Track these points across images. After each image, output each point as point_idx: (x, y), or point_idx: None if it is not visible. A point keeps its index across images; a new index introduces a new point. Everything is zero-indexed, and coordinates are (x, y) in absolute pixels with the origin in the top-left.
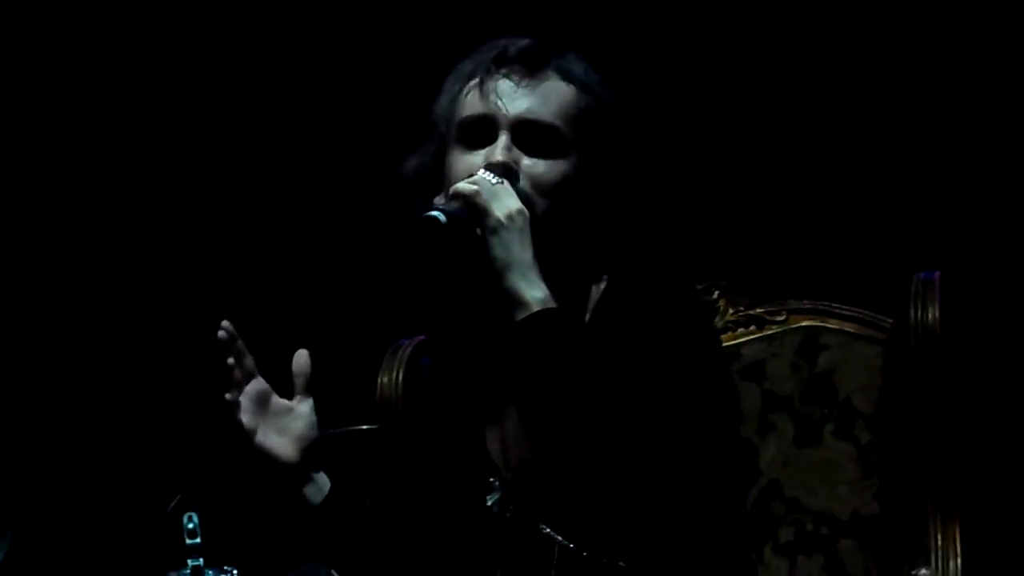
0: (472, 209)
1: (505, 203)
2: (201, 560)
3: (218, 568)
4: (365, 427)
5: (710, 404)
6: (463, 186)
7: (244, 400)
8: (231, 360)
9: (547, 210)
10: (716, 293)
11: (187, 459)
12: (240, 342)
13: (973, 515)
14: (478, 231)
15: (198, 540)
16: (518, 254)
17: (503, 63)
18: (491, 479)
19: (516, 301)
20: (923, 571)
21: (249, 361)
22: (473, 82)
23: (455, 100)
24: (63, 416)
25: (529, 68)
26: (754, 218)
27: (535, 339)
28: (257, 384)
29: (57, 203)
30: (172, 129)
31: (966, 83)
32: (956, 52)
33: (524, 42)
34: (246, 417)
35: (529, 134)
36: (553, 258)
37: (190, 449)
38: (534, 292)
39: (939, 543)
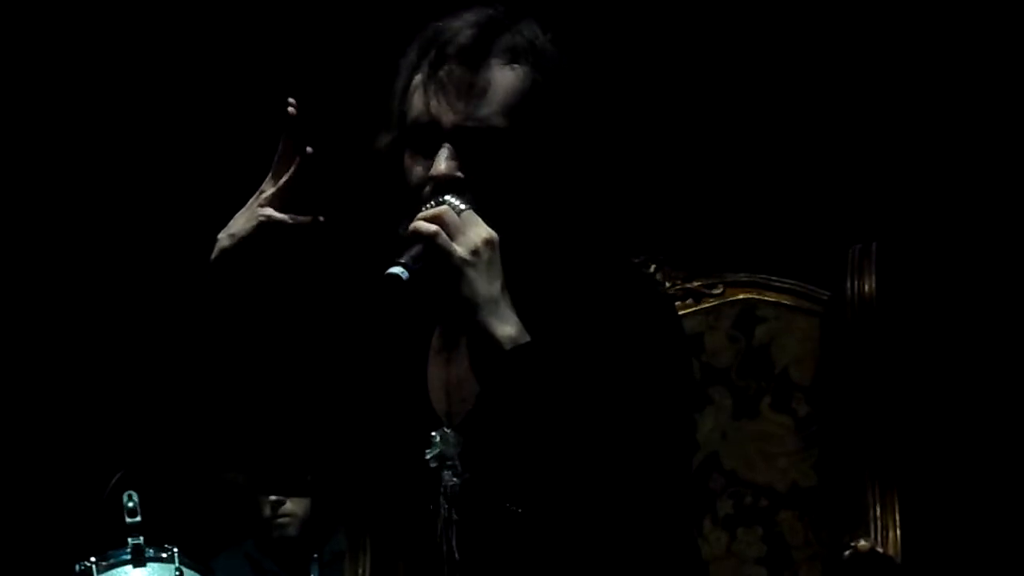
0: (435, 249)
1: (469, 237)
2: (141, 538)
3: (158, 546)
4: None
5: (664, 380)
6: (423, 225)
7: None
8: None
9: (496, 208)
10: (653, 267)
11: (127, 438)
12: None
13: (911, 485)
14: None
15: (138, 519)
16: (485, 291)
17: (443, 61)
18: (432, 433)
19: (486, 339)
20: (862, 542)
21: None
22: (417, 78)
23: (404, 94)
24: (5, 395)
25: (470, 65)
26: (690, 191)
27: (508, 378)
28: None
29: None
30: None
31: (899, 57)
32: (890, 30)
33: (464, 34)
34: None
35: (471, 140)
36: (510, 246)
37: (130, 428)
38: (504, 329)
39: (878, 513)
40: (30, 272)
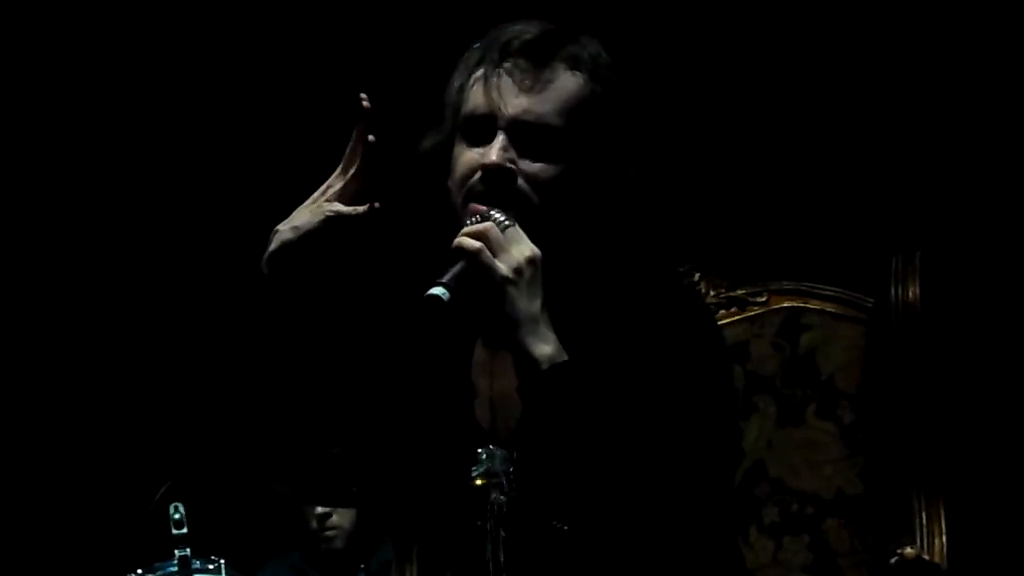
0: (478, 266)
1: (512, 255)
2: (188, 550)
3: (205, 558)
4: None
5: (708, 394)
6: (467, 241)
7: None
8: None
9: (544, 206)
10: (697, 276)
11: (174, 450)
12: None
13: (958, 493)
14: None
15: (185, 530)
16: (525, 309)
17: (508, 56)
18: (479, 450)
19: (525, 357)
20: (908, 549)
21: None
22: (478, 73)
23: (462, 90)
24: (52, 407)
25: (534, 62)
26: (735, 200)
27: (545, 398)
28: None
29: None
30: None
31: (944, 66)
32: (934, 38)
33: (530, 33)
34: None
35: (527, 134)
36: (554, 249)
37: (177, 440)
38: (542, 348)
39: (924, 521)
40: (75, 283)
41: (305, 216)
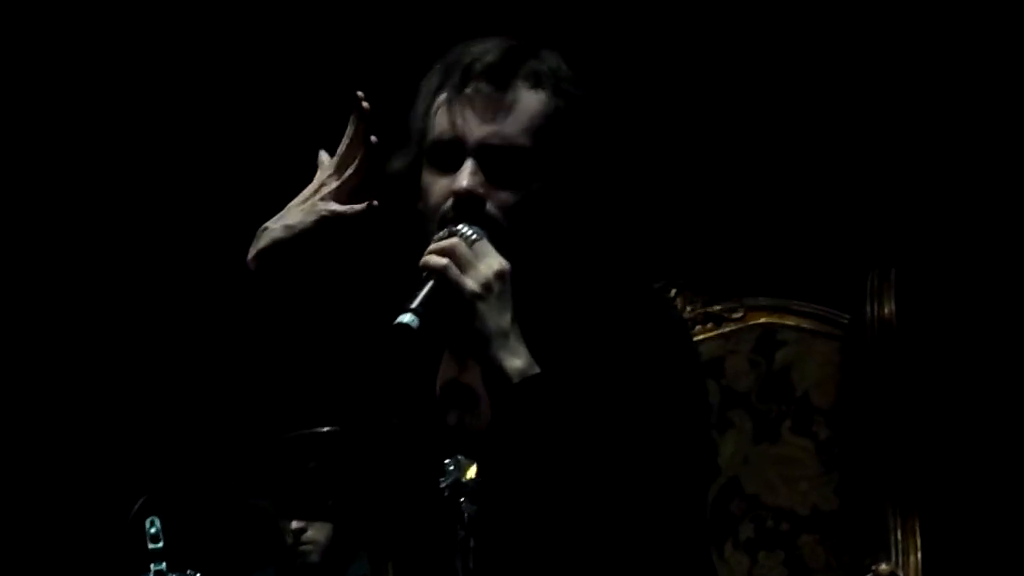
0: (445, 283)
1: (480, 270)
2: (164, 564)
3: (180, 572)
4: (325, 429)
5: (680, 408)
6: (433, 259)
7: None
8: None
9: (514, 226)
10: (673, 291)
11: (150, 464)
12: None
13: (933, 509)
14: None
15: (160, 544)
16: (495, 324)
17: (469, 80)
18: (446, 460)
19: (496, 372)
20: (883, 566)
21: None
22: (441, 98)
23: (427, 115)
24: (25, 420)
25: (496, 84)
26: (710, 216)
27: (518, 411)
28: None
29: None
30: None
31: (918, 83)
32: (906, 52)
33: (491, 54)
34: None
35: (495, 158)
36: (524, 263)
37: (153, 454)
38: (513, 362)
39: (899, 537)
40: (49, 289)
41: (297, 215)
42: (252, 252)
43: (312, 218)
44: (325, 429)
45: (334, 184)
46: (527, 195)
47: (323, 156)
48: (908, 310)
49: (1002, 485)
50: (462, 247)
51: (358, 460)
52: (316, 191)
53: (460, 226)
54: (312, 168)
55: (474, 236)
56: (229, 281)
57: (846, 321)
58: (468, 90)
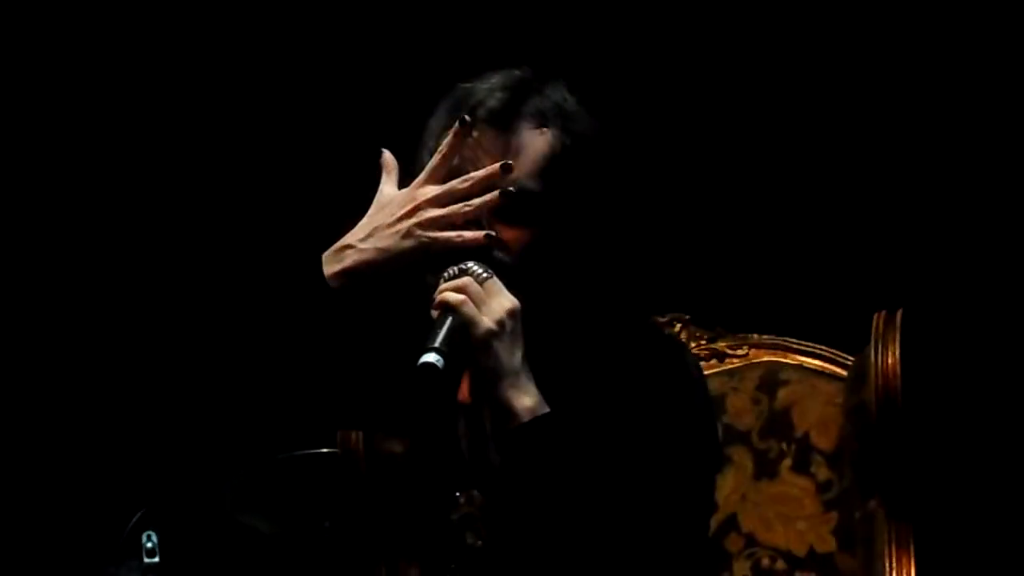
0: (460, 320)
1: (492, 307)
2: None
3: None
4: (325, 450)
5: (686, 445)
6: (450, 296)
7: None
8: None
9: (522, 266)
10: (679, 326)
11: (147, 477)
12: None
13: (930, 556)
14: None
15: (156, 559)
16: (507, 362)
17: (475, 123)
18: (457, 493)
19: (505, 410)
20: None
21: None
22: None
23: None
24: (21, 431)
25: (501, 127)
26: (717, 252)
27: (523, 450)
28: None
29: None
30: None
31: (934, 122)
32: (915, 93)
33: (494, 99)
34: None
35: (502, 200)
36: (532, 301)
37: (150, 467)
38: (523, 400)
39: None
40: (49, 296)
41: (392, 237)
42: (336, 268)
43: (410, 243)
44: (324, 450)
45: (435, 213)
46: (536, 234)
47: (387, 157)
48: (913, 353)
49: (1007, 534)
50: (474, 285)
51: (359, 484)
52: (410, 214)
53: (470, 264)
54: (315, 169)
55: (484, 274)
56: (236, 294)
57: (850, 362)
58: (475, 135)
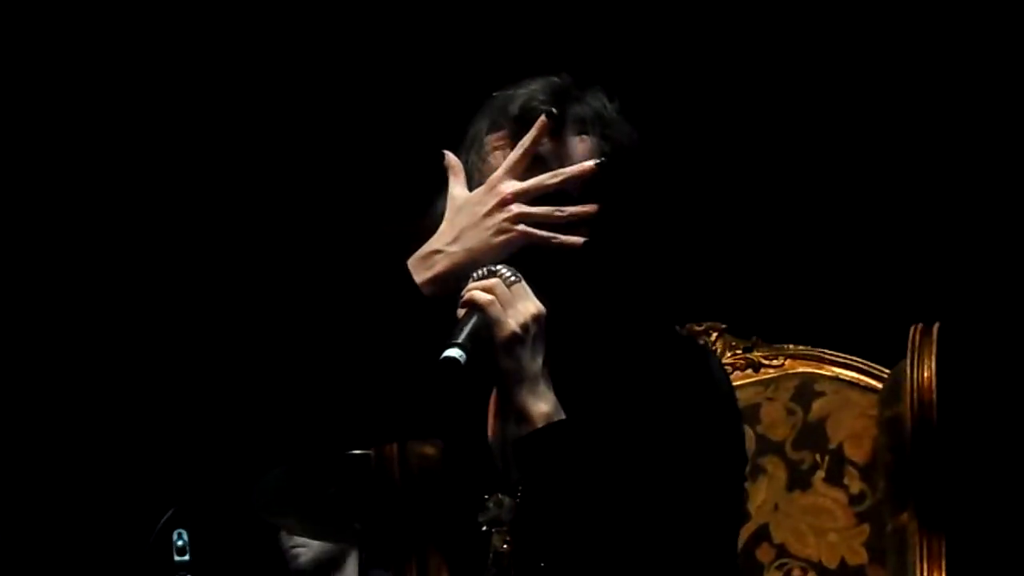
0: (486, 319)
1: (519, 311)
2: None
3: None
4: (358, 452)
5: (711, 454)
6: (478, 295)
7: None
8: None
9: (557, 276)
10: (715, 335)
11: (178, 476)
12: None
13: (964, 571)
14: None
15: (187, 557)
16: (527, 366)
17: (517, 130)
18: (486, 496)
19: (522, 414)
20: None
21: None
22: (488, 145)
23: (475, 165)
24: (52, 431)
25: (550, 132)
26: (755, 262)
27: (538, 456)
28: None
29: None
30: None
31: (965, 132)
32: (951, 101)
33: (536, 104)
34: None
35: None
36: (564, 315)
37: (181, 466)
38: (540, 406)
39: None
40: (79, 302)
41: (482, 235)
42: (428, 276)
43: (500, 239)
44: (358, 452)
45: (527, 209)
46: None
47: (452, 159)
48: (949, 366)
49: None
50: (502, 287)
51: (391, 487)
52: (498, 208)
53: (499, 267)
54: (319, 170)
55: (513, 278)
56: (270, 300)
57: (886, 375)
58: (517, 140)
